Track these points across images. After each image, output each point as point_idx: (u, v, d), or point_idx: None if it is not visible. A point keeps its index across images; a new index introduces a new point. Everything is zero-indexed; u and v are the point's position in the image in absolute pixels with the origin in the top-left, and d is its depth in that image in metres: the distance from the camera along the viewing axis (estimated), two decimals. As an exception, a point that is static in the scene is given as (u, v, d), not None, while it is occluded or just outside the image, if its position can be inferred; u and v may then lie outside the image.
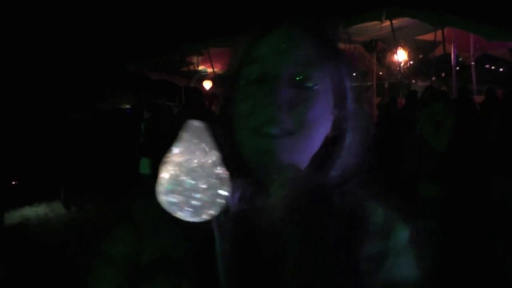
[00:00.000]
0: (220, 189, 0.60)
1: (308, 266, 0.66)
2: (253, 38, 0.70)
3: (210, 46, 10.58)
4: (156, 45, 12.04)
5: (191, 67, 12.72)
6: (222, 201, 0.60)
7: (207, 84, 13.30)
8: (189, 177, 0.59)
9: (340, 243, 0.68)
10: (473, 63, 9.92)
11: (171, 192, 0.59)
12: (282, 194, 0.70)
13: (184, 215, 0.59)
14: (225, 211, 0.66)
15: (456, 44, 9.17)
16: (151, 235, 0.68)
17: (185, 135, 0.61)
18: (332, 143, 0.73)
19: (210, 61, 11.20)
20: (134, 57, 12.67)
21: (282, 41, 0.68)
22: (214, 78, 12.42)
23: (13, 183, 7.15)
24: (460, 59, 10.90)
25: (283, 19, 0.71)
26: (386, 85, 14.24)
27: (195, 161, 0.60)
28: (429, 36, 9.14)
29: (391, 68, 12.56)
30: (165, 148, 0.63)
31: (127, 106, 12.84)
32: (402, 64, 10.82)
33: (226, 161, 0.67)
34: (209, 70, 12.68)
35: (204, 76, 13.60)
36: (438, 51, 9.41)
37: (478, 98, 7.62)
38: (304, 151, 0.68)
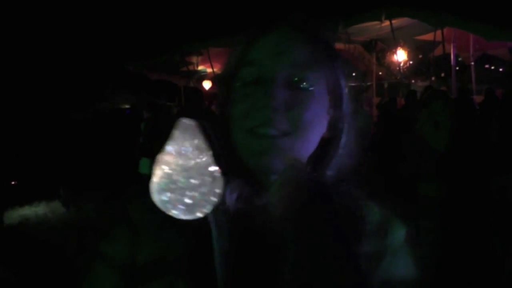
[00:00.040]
0: (214, 186, 0.60)
1: (307, 266, 0.66)
2: (249, 40, 0.71)
3: (209, 46, 10.59)
4: (156, 45, 12.04)
5: (191, 67, 12.73)
6: (216, 199, 0.60)
7: (207, 84, 13.31)
8: (182, 175, 0.59)
9: (339, 242, 0.68)
10: (472, 63, 9.93)
11: (164, 190, 0.59)
12: (281, 193, 0.70)
13: (178, 213, 0.59)
14: (223, 211, 0.66)
15: (456, 44, 9.18)
16: (149, 235, 0.68)
17: (177, 134, 0.61)
18: (328, 143, 0.74)
19: (209, 61, 11.21)
20: (134, 57, 12.66)
21: (277, 43, 0.68)
22: (213, 78, 12.43)
23: (13, 183, 7.14)
24: (459, 59, 10.91)
25: (278, 20, 0.72)
26: (386, 85, 14.25)
27: (188, 159, 0.60)
28: (429, 36, 9.14)
29: (390, 68, 12.57)
30: (165, 148, 0.63)
31: (127, 106, 12.85)
32: (401, 64, 10.83)
33: (223, 161, 0.67)
34: (209, 70, 12.69)
35: (203, 76, 13.61)
36: (438, 51, 9.42)
37: (478, 98, 7.64)
38: (300, 151, 0.68)
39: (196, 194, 0.59)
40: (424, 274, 0.77)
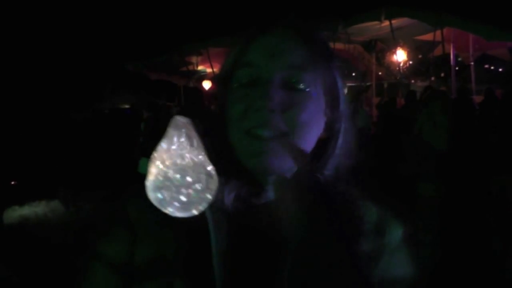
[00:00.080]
0: (208, 184, 0.60)
1: (306, 265, 0.67)
2: (246, 41, 0.71)
3: (209, 46, 10.59)
4: (156, 45, 12.03)
5: (190, 67, 12.73)
6: (211, 196, 0.60)
7: (206, 84, 13.30)
8: (177, 173, 0.59)
9: (338, 242, 0.69)
10: (472, 63, 9.93)
11: (159, 188, 0.59)
12: (279, 194, 0.70)
13: (173, 210, 0.60)
14: (221, 210, 0.67)
15: (455, 44, 9.19)
16: (146, 234, 0.68)
17: (172, 132, 0.61)
18: (325, 144, 0.74)
19: (209, 61, 11.20)
20: (133, 57, 12.66)
21: (274, 44, 0.69)
22: (213, 78, 12.41)
23: (12, 183, 7.14)
24: (459, 59, 10.92)
25: (275, 22, 0.72)
26: (386, 85, 14.24)
27: (183, 157, 0.60)
28: (428, 36, 9.14)
29: (390, 68, 12.56)
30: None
31: (127, 106, 12.85)
32: (401, 64, 10.83)
33: (221, 161, 0.68)
34: (208, 70, 12.70)
35: (203, 76, 13.61)
36: (437, 51, 9.43)
37: (478, 98, 7.63)
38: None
39: (191, 191, 0.59)
40: (423, 274, 0.77)
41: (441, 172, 3.67)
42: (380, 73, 13.37)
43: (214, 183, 0.61)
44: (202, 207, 0.60)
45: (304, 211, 0.71)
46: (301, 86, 0.68)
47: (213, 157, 0.64)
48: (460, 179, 3.60)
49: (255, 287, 0.66)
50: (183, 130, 0.61)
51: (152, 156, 0.61)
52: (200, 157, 0.61)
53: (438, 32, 8.17)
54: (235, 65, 0.71)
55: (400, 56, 10.43)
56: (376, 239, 0.73)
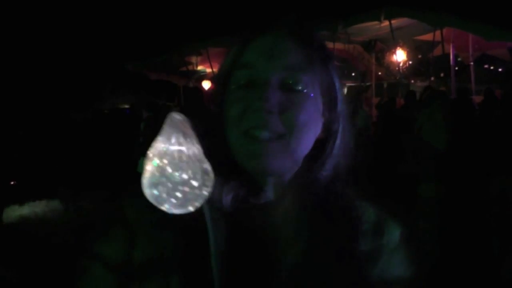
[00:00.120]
0: (204, 181, 0.60)
1: (304, 266, 0.67)
2: (243, 42, 0.71)
3: (209, 46, 10.59)
4: (155, 45, 12.03)
5: (190, 67, 12.73)
6: (207, 193, 0.60)
7: (206, 84, 13.30)
8: (173, 170, 0.59)
9: (337, 243, 0.69)
10: (472, 63, 9.93)
11: (155, 184, 0.59)
12: (278, 195, 0.71)
13: (169, 207, 0.59)
14: (219, 210, 0.67)
15: (455, 44, 9.20)
16: (144, 234, 0.68)
17: (168, 129, 0.61)
18: (322, 145, 0.74)
19: (209, 61, 11.21)
20: (133, 57, 12.66)
21: (271, 46, 0.69)
22: (213, 78, 12.41)
23: (12, 183, 7.13)
24: (459, 59, 10.92)
25: (272, 23, 0.72)
26: (385, 85, 14.25)
27: (179, 154, 0.60)
28: (428, 36, 9.15)
29: (390, 68, 12.57)
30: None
31: (126, 106, 12.84)
32: (401, 64, 10.84)
33: (220, 162, 0.68)
34: (208, 70, 12.70)
35: (203, 76, 13.61)
36: (437, 51, 9.44)
37: (477, 98, 7.63)
38: (295, 153, 0.69)
39: (187, 188, 0.59)
40: (422, 274, 0.77)
41: (441, 172, 3.68)
42: (379, 73, 13.38)
43: (210, 180, 0.61)
44: (198, 203, 0.60)
45: (303, 212, 0.71)
46: (299, 87, 0.68)
47: (212, 157, 0.64)
48: (460, 179, 3.60)
49: (253, 287, 0.66)
50: (179, 127, 0.61)
51: (148, 153, 0.61)
52: (196, 154, 0.61)
53: (438, 32, 8.17)
54: (233, 66, 0.71)
55: (400, 56, 10.44)
56: (374, 239, 0.73)
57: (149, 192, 0.59)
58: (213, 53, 10.71)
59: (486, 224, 3.52)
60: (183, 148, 0.60)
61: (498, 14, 7.25)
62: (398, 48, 10.16)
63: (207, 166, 0.61)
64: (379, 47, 11.48)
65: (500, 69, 12.93)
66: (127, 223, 0.69)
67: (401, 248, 0.75)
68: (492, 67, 13.31)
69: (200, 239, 0.64)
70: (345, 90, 13.57)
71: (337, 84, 0.75)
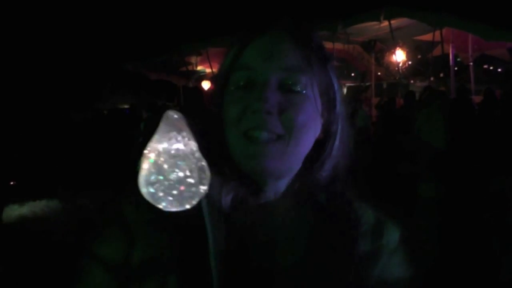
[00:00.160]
0: (201, 178, 0.60)
1: (304, 266, 0.67)
2: (241, 43, 0.71)
3: (208, 46, 10.59)
4: (155, 45, 12.02)
5: (190, 67, 12.73)
6: (203, 190, 0.60)
7: (206, 84, 13.30)
8: (169, 168, 0.59)
9: (336, 244, 0.69)
10: (471, 63, 9.93)
11: (152, 182, 0.59)
12: (277, 196, 0.71)
13: (166, 204, 0.59)
14: (218, 211, 0.67)
15: (455, 44, 9.20)
16: (143, 234, 0.68)
17: (164, 126, 0.61)
18: (322, 146, 0.74)
19: (208, 61, 11.21)
20: (133, 57, 12.65)
21: (269, 47, 0.68)
22: (212, 78, 12.41)
23: (12, 183, 7.13)
24: (458, 59, 10.93)
25: (270, 24, 0.72)
26: (385, 85, 14.26)
27: (175, 151, 0.60)
28: (428, 36, 9.16)
29: (389, 68, 12.57)
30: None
31: (126, 106, 12.82)
32: (400, 64, 10.84)
33: (220, 162, 0.68)
34: (208, 70, 12.70)
35: (202, 76, 13.61)
36: (437, 51, 9.43)
37: (477, 98, 7.63)
38: (294, 154, 0.68)
39: (183, 185, 0.59)
40: (421, 274, 0.77)
41: (441, 172, 3.68)
42: (379, 73, 13.39)
43: (207, 177, 0.61)
44: (195, 201, 0.60)
45: (302, 213, 0.71)
46: (298, 88, 0.68)
47: (211, 157, 0.64)
48: (460, 179, 3.61)
49: (252, 287, 0.66)
50: (175, 125, 0.61)
51: (144, 152, 0.61)
52: (193, 151, 0.61)
53: (437, 32, 8.18)
54: (232, 67, 0.71)
55: (399, 56, 10.45)
56: (373, 241, 0.74)
57: (146, 190, 0.59)
58: (213, 53, 10.71)
59: (485, 224, 3.52)
60: (179, 146, 0.60)
61: (497, 15, 7.26)
62: (398, 48, 10.16)
63: (204, 163, 0.61)
64: (379, 47, 11.48)
65: (499, 69, 12.93)
66: (126, 223, 0.69)
67: (400, 249, 0.75)
68: (491, 67, 13.31)
69: (200, 239, 0.64)
70: (345, 90, 13.58)
71: (336, 85, 0.75)
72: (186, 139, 0.61)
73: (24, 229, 5.75)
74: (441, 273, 3.18)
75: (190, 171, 0.60)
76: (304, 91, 0.68)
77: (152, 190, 0.59)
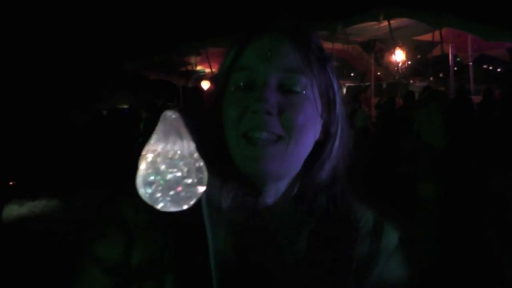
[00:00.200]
0: (198, 178, 0.60)
1: (303, 267, 0.67)
2: (241, 44, 0.71)
3: (208, 46, 10.59)
4: (155, 45, 12.02)
5: (189, 67, 12.73)
6: (201, 190, 0.60)
7: (205, 84, 13.30)
8: (167, 168, 0.59)
9: (335, 246, 0.69)
10: (471, 63, 9.93)
11: (149, 183, 0.59)
12: (276, 197, 0.71)
13: (164, 205, 0.59)
14: (218, 211, 0.67)
15: (454, 45, 9.21)
16: (142, 235, 0.67)
17: (162, 127, 0.61)
18: (321, 147, 0.74)
19: (208, 61, 11.21)
20: (132, 57, 12.64)
21: (268, 48, 0.68)
22: (212, 78, 12.42)
23: (11, 183, 7.13)
24: (458, 59, 10.93)
25: (269, 25, 0.72)
26: (384, 85, 14.25)
27: (173, 151, 0.60)
28: (427, 37, 9.16)
29: (389, 68, 12.56)
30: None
31: (125, 106, 12.81)
32: (400, 64, 10.83)
33: (219, 163, 0.68)
34: (207, 70, 12.70)
35: (202, 76, 13.60)
36: (436, 51, 9.44)
37: (476, 98, 7.63)
38: (294, 156, 0.68)
39: (181, 186, 0.59)
40: (420, 275, 0.77)
41: (440, 172, 3.68)
42: (379, 73, 13.39)
43: (204, 178, 0.61)
44: (192, 201, 0.60)
45: (302, 214, 0.71)
46: (297, 88, 0.68)
47: (211, 158, 0.64)
48: (459, 179, 3.61)
49: (252, 287, 0.66)
50: (173, 126, 0.61)
51: (142, 152, 0.61)
52: (190, 152, 0.61)
53: (437, 33, 8.19)
54: (232, 68, 0.71)
55: (399, 56, 10.43)
56: (372, 243, 0.74)
57: (143, 191, 0.59)
58: (212, 53, 10.71)
59: (485, 224, 3.52)
60: (177, 147, 0.60)
61: (497, 15, 7.26)
62: (397, 48, 10.15)
63: (201, 164, 0.61)
64: (378, 47, 11.48)
65: (499, 69, 12.93)
66: (126, 224, 0.69)
67: (399, 251, 0.75)
68: (491, 67, 13.31)
69: (199, 240, 0.64)
70: (344, 90, 13.59)
71: (335, 86, 0.75)
72: (184, 139, 0.61)
73: (24, 229, 5.75)
74: (440, 273, 3.18)
75: (188, 171, 0.59)
76: (303, 92, 0.68)
77: (149, 190, 0.59)
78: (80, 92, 14.22)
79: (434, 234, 3.64)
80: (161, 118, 0.62)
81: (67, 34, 15.46)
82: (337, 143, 0.75)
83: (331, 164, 0.74)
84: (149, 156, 0.60)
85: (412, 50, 11.10)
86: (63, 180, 6.95)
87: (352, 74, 14.62)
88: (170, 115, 0.62)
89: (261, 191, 0.70)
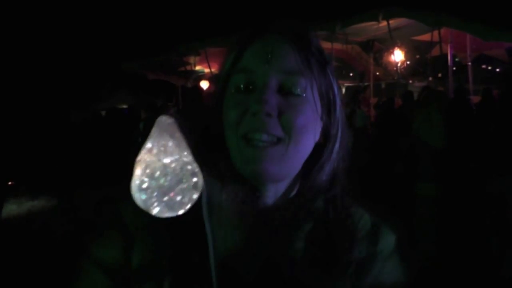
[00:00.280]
0: (193, 183, 0.60)
1: (303, 269, 0.67)
2: (240, 46, 0.71)
3: (207, 46, 10.57)
4: (154, 45, 12.01)
5: (188, 67, 12.71)
6: (196, 195, 0.60)
7: (204, 84, 13.29)
8: (161, 174, 0.59)
9: (333, 249, 0.69)
10: (469, 64, 9.93)
11: (144, 189, 0.59)
12: (276, 199, 0.71)
13: (159, 210, 0.59)
14: (218, 213, 0.67)
15: (453, 45, 9.19)
16: (142, 237, 0.68)
17: (156, 132, 0.61)
18: (321, 150, 0.74)
19: (207, 61, 11.20)
20: (131, 57, 12.63)
21: (268, 50, 0.68)
22: (211, 78, 12.42)
23: (10, 183, 7.12)
24: (456, 59, 10.92)
25: (269, 27, 0.72)
26: (383, 86, 14.26)
27: (167, 157, 0.60)
28: (426, 37, 9.16)
29: (388, 68, 12.56)
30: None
31: (124, 106, 12.81)
32: (399, 65, 10.83)
33: (219, 164, 0.69)
34: (206, 70, 12.69)
35: (201, 76, 13.58)
36: (435, 52, 9.44)
37: (475, 98, 7.64)
38: (294, 158, 0.68)
39: (175, 192, 0.59)
40: (418, 276, 0.78)
41: (439, 172, 3.68)
42: (378, 74, 13.38)
43: (199, 183, 0.61)
44: (187, 206, 0.60)
45: (300, 217, 0.72)
46: (297, 90, 0.68)
47: (211, 159, 0.64)
48: (458, 179, 3.61)
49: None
50: (167, 131, 0.61)
51: (137, 158, 0.61)
52: (185, 157, 0.60)
53: (436, 33, 8.18)
54: (232, 71, 0.71)
55: (398, 56, 10.43)
56: (369, 246, 0.74)
57: (138, 196, 0.59)
58: (211, 53, 10.70)
59: (484, 224, 3.53)
60: (171, 152, 0.60)
61: (496, 15, 7.27)
62: (396, 48, 10.15)
63: (196, 168, 0.61)
64: (377, 47, 11.47)
65: (497, 70, 12.94)
66: (125, 225, 0.69)
67: (395, 254, 0.76)
68: (489, 68, 13.30)
69: (199, 241, 0.64)
70: (344, 90, 13.60)
71: (335, 88, 0.75)
72: (178, 144, 0.61)
73: (23, 229, 5.74)
74: (439, 273, 3.19)
75: (182, 177, 0.59)
76: (304, 94, 0.68)
77: (143, 196, 0.59)
78: (79, 92, 14.21)
79: (432, 234, 3.64)
80: (156, 123, 0.62)
81: (66, 34, 15.45)
82: (337, 145, 0.75)
83: (331, 166, 0.75)
84: (143, 162, 0.60)
85: (411, 50, 11.10)
86: (62, 180, 6.94)
87: (351, 74, 14.61)
88: (165, 120, 0.62)
89: (261, 192, 0.70)
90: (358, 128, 6.15)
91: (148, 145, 0.61)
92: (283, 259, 0.67)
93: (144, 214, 0.63)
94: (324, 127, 0.74)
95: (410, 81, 13.29)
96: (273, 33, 0.71)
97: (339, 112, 0.75)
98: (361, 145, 5.18)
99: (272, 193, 0.71)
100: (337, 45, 10.28)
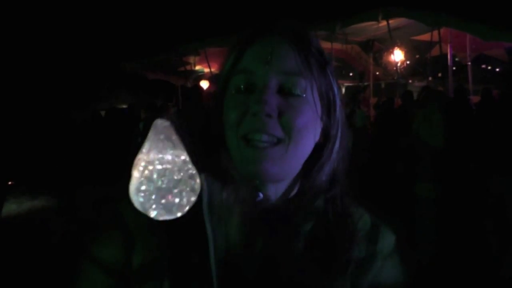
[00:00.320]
0: (191, 185, 0.60)
1: (303, 270, 0.67)
2: (240, 47, 0.71)
3: (207, 46, 10.58)
4: (153, 45, 12.02)
5: (188, 67, 12.72)
6: (194, 198, 0.60)
7: (204, 84, 13.29)
8: (159, 176, 0.59)
9: (333, 249, 0.70)
10: (469, 63, 9.94)
11: (141, 191, 0.59)
12: (276, 199, 0.71)
13: (157, 213, 0.59)
14: (218, 213, 0.67)
15: (453, 44, 9.20)
16: (143, 237, 0.68)
17: (153, 134, 0.61)
18: (321, 149, 0.74)
19: (207, 61, 11.20)
20: (131, 57, 12.63)
21: (268, 50, 0.69)
22: (211, 78, 12.42)
23: (10, 183, 7.12)
24: (456, 59, 10.93)
25: (269, 28, 0.72)
26: (383, 85, 14.26)
27: (165, 160, 0.60)
28: (426, 36, 9.17)
29: (387, 68, 12.56)
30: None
31: (124, 106, 12.81)
32: (398, 64, 10.83)
33: (219, 165, 0.69)
34: (206, 70, 12.69)
35: (201, 76, 13.59)
36: (435, 51, 9.44)
37: (475, 98, 7.64)
38: (294, 158, 0.69)
39: (173, 194, 0.59)
40: (418, 276, 0.78)
41: (438, 172, 3.69)
42: (377, 73, 13.39)
43: (197, 185, 0.61)
44: (186, 209, 0.60)
45: (300, 217, 0.72)
46: (297, 91, 0.68)
47: (211, 159, 0.64)
48: (458, 179, 3.62)
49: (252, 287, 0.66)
50: (164, 134, 0.61)
51: (135, 160, 0.61)
52: (182, 159, 0.60)
53: (435, 32, 8.19)
54: (232, 72, 0.71)
55: (398, 56, 10.43)
56: (368, 246, 0.74)
57: (136, 198, 0.59)
58: (211, 53, 10.71)
59: (483, 223, 3.53)
60: (168, 155, 0.60)
61: (495, 15, 7.29)
62: (396, 48, 10.15)
63: (193, 171, 0.61)
64: (377, 47, 11.48)
65: (497, 70, 12.95)
66: (126, 226, 0.69)
67: (395, 254, 0.76)
68: (489, 67, 13.32)
69: (200, 242, 0.64)
70: (343, 90, 13.60)
71: (335, 89, 0.75)
72: (175, 147, 0.61)
73: (23, 229, 5.74)
74: (438, 272, 3.19)
75: (179, 179, 0.59)
76: (303, 95, 0.69)
77: (141, 199, 0.59)
78: (79, 92, 14.21)
79: (432, 234, 3.65)
80: (152, 126, 0.62)
81: (66, 34, 15.44)
82: (337, 145, 0.75)
83: (330, 166, 0.75)
84: (141, 165, 0.60)
85: (411, 50, 11.10)
86: (62, 180, 6.94)
87: (350, 74, 14.62)
88: (161, 123, 0.62)
89: (261, 193, 0.70)
90: (358, 128, 6.14)
91: (145, 148, 0.61)
92: (283, 259, 0.68)
93: (144, 214, 0.63)
94: (324, 127, 0.74)
95: (410, 81, 13.29)
96: (273, 33, 0.71)
97: (339, 112, 0.75)
98: (361, 145, 5.17)
99: (272, 193, 0.71)
100: (337, 45, 10.29)
